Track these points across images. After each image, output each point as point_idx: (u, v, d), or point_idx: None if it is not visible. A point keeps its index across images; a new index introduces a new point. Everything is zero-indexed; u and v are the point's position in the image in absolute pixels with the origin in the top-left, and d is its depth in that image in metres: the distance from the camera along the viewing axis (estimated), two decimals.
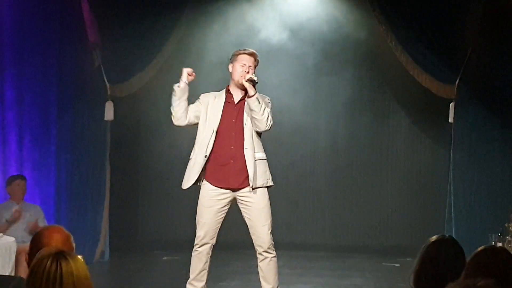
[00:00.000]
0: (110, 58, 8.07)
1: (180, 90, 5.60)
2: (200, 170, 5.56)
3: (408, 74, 8.05)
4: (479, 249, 3.04)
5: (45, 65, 8.12)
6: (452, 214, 7.89)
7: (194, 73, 5.68)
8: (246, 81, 5.49)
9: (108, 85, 8.09)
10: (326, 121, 9.16)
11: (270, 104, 5.64)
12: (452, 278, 3.39)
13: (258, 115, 5.50)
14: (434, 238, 3.67)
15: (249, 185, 5.53)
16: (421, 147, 9.09)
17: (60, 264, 2.44)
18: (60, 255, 2.46)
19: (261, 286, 5.66)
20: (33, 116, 8.16)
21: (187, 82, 5.61)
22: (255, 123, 5.54)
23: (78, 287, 2.43)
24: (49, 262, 2.44)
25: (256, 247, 5.60)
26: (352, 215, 9.19)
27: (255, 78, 5.51)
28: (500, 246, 3.16)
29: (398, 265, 8.10)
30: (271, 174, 5.69)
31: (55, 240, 3.05)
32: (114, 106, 8.15)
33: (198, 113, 5.66)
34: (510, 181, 7.70)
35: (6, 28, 8.06)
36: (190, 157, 5.65)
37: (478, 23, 7.62)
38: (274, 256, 5.61)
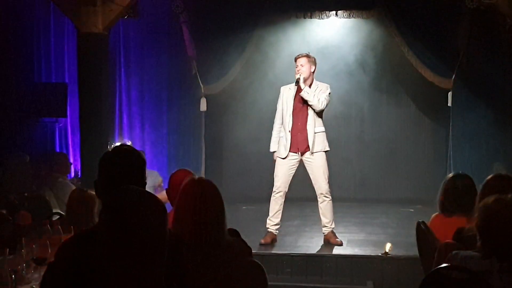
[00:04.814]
0: (203, 66, 8.11)
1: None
2: (290, 142, 5.67)
3: (417, 72, 7.98)
4: (489, 177, 3.12)
5: (158, 73, 8.37)
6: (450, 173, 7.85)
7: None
8: (296, 81, 5.66)
9: (202, 86, 8.13)
10: (356, 108, 9.05)
11: (328, 90, 5.67)
12: (466, 201, 3.48)
13: (310, 102, 5.59)
14: (451, 174, 3.76)
15: (309, 150, 5.67)
16: (428, 124, 8.93)
17: (203, 184, 2.52)
18: (201, 180, 2.55)
19: (320, 220, 5.81)
20: (150, 109, 8.45)
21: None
22: (311, 106, 5.63)
23: (214, 200, 2.51)
24: (195, 183, 2.51)
25: (317, 193, 5.74)
26: (375, 177, 9.06)
27: (297, 77, 5.65)
28: (505, 173, 3.18)
29: (412, 210, 8.03)
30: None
31: (190, 174, 3.16)
32: (207, 101, 8.19)
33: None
34: (494, 146, 7.67)
35: (131, 47, 8.38)
36: (281, 136, 5.74)
37: (467, 33, 7.56)
38: (330, 200, 5.75)
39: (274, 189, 5.77)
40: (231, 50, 8.06)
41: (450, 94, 7.79)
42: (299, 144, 5.69)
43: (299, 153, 5.70)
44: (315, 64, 5.76)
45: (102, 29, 5.76)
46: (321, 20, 8.30)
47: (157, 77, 8.36)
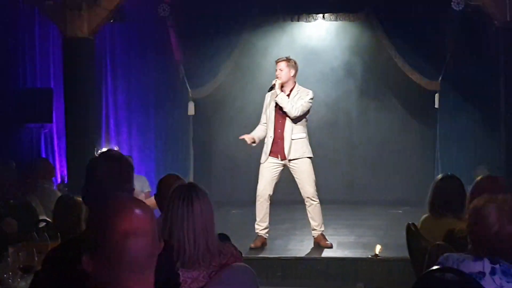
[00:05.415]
0: (190, 70, 8.11)
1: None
2: (270, 148, 5.65)
3: (405, 75, 8.02)
4: (479, 177, 3.10)
5: (145, 78, 8.33)
6: (439, 175, 7.87)
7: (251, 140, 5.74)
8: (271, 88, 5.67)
9: (189, 90, 8.13)
10: (344, 110, 8.99)
11: (309, 96, 5.60)
12: (456, 203, 3.48)
13: (284, 108, 5.55)
14: (440, 176, 3.75)
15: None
16: (415, 126, 8.93)
17: (192, 189, 2.52)
18: (191, 185, 2.55)
19: (310, 224, 5.78)
20: (137, 114, 8.40)
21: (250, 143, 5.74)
22: (285, 113, 5.57)
23: (204, 205, 2.50)
24: (184, 188, 2.52)
25: (303, 196, 5.70)
26: (363, 179, 9.02)
27: (273, 83, 5.64)
28: (496, 176, 3.16)
29: (401, 211, 8.01)
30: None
31: (179, 179, 3.21)
32: (195, 105, 8.18)
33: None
34: (481, 147, 7.72)
35: (117, 53, 8.33)
36: (265, 141, 5.71)
37: (453, 37, 7.61)
38: (318, 203, 5.71)
39: (257, 193, 5.74)
40: (218, 53, 8.07)
41: (437, 96, 7.83)
42: (280, 150, 5.65)
43: (280, 158, 5.66)
44: (295, 68, 5.68)
45: (88, 33, 5.72)
46: (308, 23, 8.30)
47: (144, 81, 8.32)
